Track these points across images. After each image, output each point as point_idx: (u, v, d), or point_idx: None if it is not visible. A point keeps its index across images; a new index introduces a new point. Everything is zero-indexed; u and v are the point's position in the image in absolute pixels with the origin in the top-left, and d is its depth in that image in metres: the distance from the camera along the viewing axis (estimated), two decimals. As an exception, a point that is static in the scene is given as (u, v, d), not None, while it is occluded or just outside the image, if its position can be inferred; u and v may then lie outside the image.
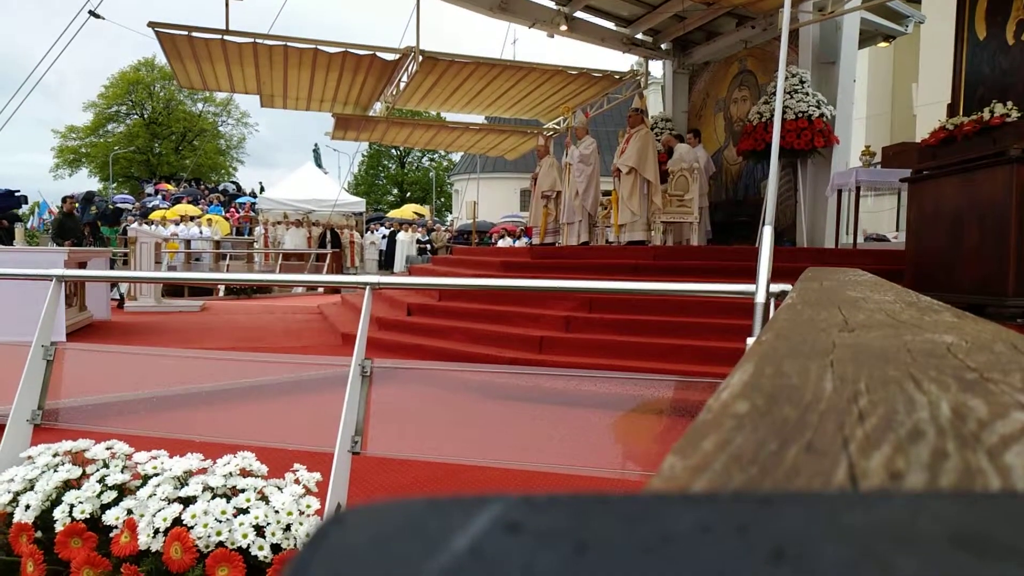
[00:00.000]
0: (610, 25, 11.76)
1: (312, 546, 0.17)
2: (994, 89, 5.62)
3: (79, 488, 2.21)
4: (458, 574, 0.15)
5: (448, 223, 29.40)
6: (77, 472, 2.28)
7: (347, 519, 0.18)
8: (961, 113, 5.88)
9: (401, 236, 21.63)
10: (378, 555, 0.16)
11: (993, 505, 0.19)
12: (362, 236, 21.13)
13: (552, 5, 11.33)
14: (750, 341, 1.95)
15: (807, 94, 9.00)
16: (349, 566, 0.16)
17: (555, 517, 0.18)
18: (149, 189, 28.47)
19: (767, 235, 2.91)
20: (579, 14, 11.47)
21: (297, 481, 2.23)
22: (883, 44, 12.30)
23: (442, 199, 43.16)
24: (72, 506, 2.14)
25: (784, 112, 8.49)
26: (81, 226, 13.60)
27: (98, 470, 2.28)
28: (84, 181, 38.30)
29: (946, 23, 6.80)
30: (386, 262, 21.31)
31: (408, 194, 44.35)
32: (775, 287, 2.44)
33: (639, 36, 11.79)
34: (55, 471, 2.27)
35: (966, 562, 0.15)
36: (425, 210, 30.02)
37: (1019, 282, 5.11)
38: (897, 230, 13.05)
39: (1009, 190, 5.13)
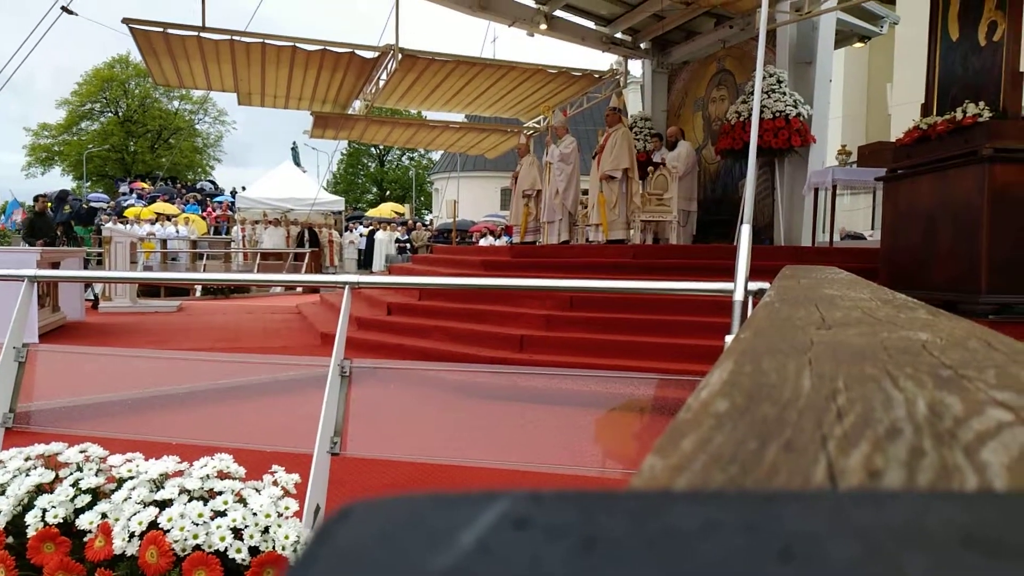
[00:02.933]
0: (590, 24, 11.79)
1: (319, 540, 0.17)
2: (967, 89, 5.71)
3: (52, 492, 2.17)
4: (465, 570, 0.15)
5: (428, 222, 29.29)
6: (50, 476, 2.24)
7: (353, 514, 0.18)
8: (935, 113, 5.97)
9: (380, 235, 21.51)
10: (384, 550, 0.16)
11: (1003, 506, 0.19)
12: (341, 235, 20.99)
13: (532, 4, 11.34)
14: (729, 339, 1.96)
15: (784, 93, 9.09)
16: (355, 560, 0.16)
17: (563, 513, 0.18)
18: (124, 188, 28.01)
19: (745, 233, 2.93)
20: (559, 13, 11.49)
21: (275, 483, 2.21)
22: (859, 44, 12.45)
23: (422, 198, 43.01)
24: (45, 510, 2.10)
25: (762, 111, 8.55)
26: (54, 225, 13.36)
27: (71, 473, 2.24)
28: (57, 180, 37.63)
29: (920, 24, 6.90)
30: (365, 261, 21.18)
31: (388, 192, 44.14)
32: (753, 285, 2.46)
33: (618, 35, 11.83)
34: (27, 475, 2.23)
35: (978, 562, 0.15)
36: (405, 208, 29.89)
37: (991, 279, 5.20)
38: (873, 228, 13.21)
39: (981, 188, 5.22)
